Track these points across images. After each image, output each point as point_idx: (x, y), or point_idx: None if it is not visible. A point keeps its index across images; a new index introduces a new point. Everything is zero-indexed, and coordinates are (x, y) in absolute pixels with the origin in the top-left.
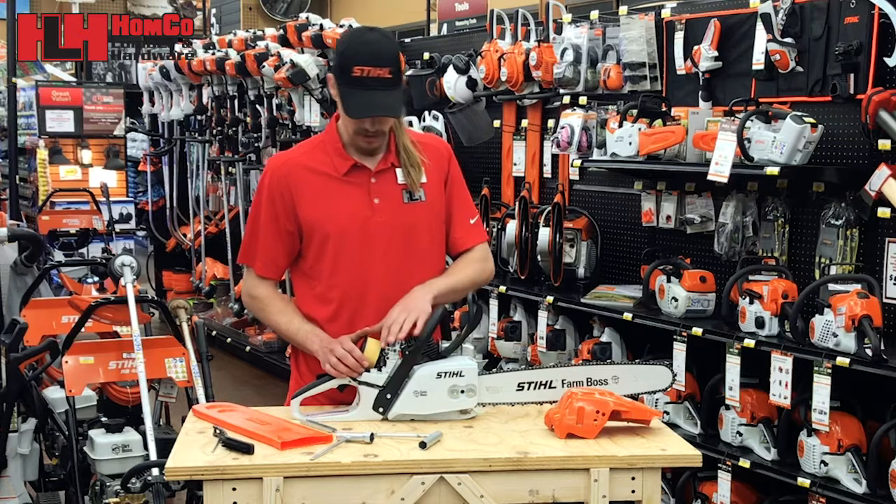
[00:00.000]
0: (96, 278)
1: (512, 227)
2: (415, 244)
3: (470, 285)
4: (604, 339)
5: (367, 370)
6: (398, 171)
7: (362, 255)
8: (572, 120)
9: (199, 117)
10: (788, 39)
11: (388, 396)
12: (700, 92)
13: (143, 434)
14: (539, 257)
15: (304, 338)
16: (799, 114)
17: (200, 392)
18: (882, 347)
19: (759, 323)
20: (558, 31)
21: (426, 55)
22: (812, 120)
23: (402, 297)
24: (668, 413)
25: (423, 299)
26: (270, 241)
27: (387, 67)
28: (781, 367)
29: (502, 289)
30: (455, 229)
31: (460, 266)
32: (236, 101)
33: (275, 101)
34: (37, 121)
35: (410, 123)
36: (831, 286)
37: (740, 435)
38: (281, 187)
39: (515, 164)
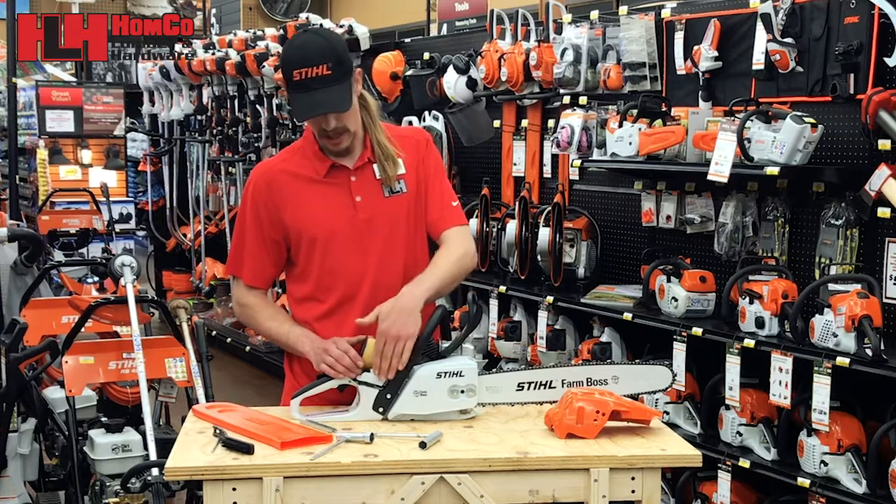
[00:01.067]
0: (96, 278)
1: (512, 227)
2: (400, 236)
3: (458, 273)
4: (604, 339)
5: (367, 370)
6: (375, 166)
7: (350, 253)
8: (572, 120)
9: (199, 117)
10: (788, 39)
11: (388, 396)
12: (700, 92)
13: (143, 434)
14: (539, 257)
15: (294, 340)
16: (799, 114)
17: (200, 392)
18: (882, 347)
19: (759, 323)
20: (558, 31)
21: (426, 55)
22: (812, 120)
23: (391, 293)
24: (668, 413)
25: (413, 311)
26: (257, 251)
27: (323, 65)
28: (781, 367)
29: (502, 289)
30: (431, 211)
31: (443, 256)
32: (236, 101)
33: (275, 101)
34: (37, 121)
35: (410, 123)
36: (831, 286)
37: (740, 435)
38: (264, 196)
39: (515, 164)
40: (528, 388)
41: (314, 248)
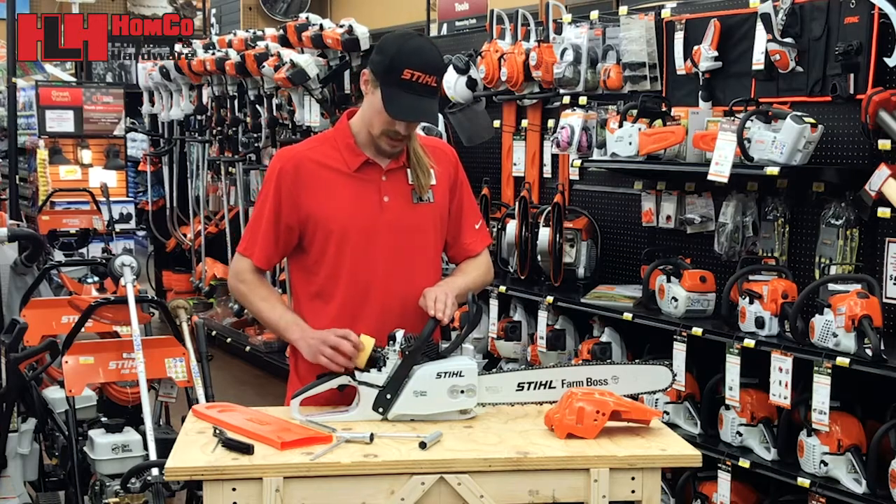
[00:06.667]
0: (96, 278)
1: (512, 227)
2: (419, 244)
3: (479, 287)
4: (604, 339)
5: (365, 370)
6: (408, 171)
7: (367, 252)
8: (572, 120)
9: (199, 117)
10: (788, 39)
11: (388, 396)
12: (700, 92)
13: (143, 434)
14: (539, 257)
15: (285, 326)
16: (799, 114)
17: (200, 392)
18: (882, 347)
19: (759, 323)
20: (558, 31)
21: None
22: (812, 120)
23: (403, 297)
24: (668, 413)
25: (450, 295)
26: (268, 233)
27: (434, 76)
28: (781, 367)
29: (502, 289)
30: (465, 235)
31: (471, 268)
32: (236, 101)
33: (275, 101)
34: (37, 121)
35: None
36: (831, 286)
37: (740, 435)
38: (289, 179)
39: (515, 164)
40: (528, 388)
41: (329, 239)
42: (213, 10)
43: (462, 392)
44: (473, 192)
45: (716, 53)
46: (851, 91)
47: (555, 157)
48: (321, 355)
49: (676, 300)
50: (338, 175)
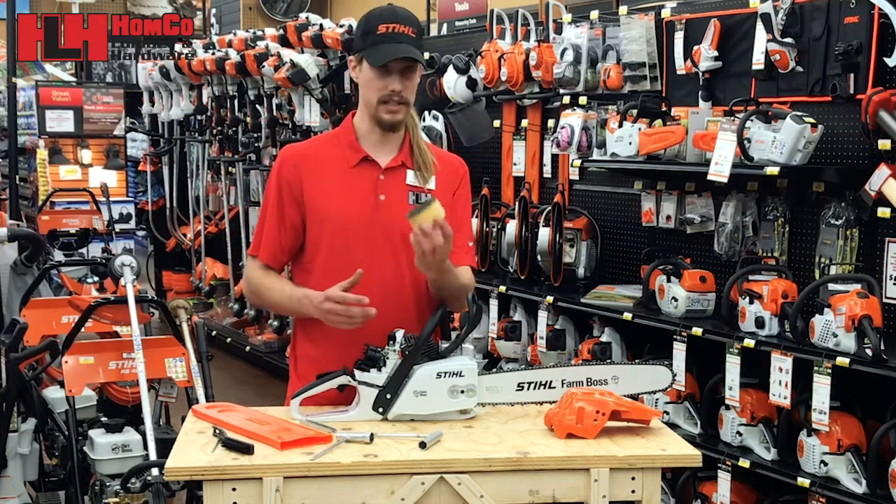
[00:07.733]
0: (96, 278)
1: (512, 227)
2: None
3: (459, 290)
4: (604, 339)
5: (366, 369)
6: (409, 172)
7: (360, 249)
8: (572, 120)
9: (199, 117)
10: (788, 39)
11: (388, 396)
12: (700, 92)
13: (143, 434)
14: (539, 257)
15: (297, 307)
16: (799, 114)
17: (200, 392)
18: (882, 347)
19: (759, 323)
20: (558, 31)
21: (426, 55)
22: (812, 120)
23: (397, 296)
24: (668, 413)
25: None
26: (273, 229)
27: (409, 27)
28: (781, 367)
29: (502, 289)
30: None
31: (460, 271)
32: (236, 101)
33: (275, 101)
34: (37, 121)
35: None
36: (831, 286)
37: (740, 435)
38: (290, 175)
39: (515, 164)
40: (528, 388)
41: (322, 236)
42: (213, 10)
43: (462, 392)
44: (473, 192)
45: (716, 53)
46: (851, 91)
47: (555, 157)
48: (337, 319)
49: (676, 300)
50: (335, 171)
